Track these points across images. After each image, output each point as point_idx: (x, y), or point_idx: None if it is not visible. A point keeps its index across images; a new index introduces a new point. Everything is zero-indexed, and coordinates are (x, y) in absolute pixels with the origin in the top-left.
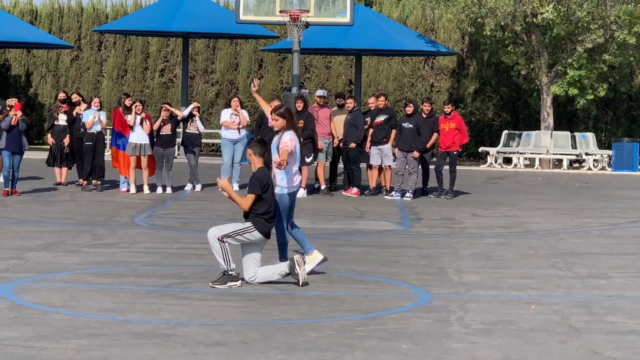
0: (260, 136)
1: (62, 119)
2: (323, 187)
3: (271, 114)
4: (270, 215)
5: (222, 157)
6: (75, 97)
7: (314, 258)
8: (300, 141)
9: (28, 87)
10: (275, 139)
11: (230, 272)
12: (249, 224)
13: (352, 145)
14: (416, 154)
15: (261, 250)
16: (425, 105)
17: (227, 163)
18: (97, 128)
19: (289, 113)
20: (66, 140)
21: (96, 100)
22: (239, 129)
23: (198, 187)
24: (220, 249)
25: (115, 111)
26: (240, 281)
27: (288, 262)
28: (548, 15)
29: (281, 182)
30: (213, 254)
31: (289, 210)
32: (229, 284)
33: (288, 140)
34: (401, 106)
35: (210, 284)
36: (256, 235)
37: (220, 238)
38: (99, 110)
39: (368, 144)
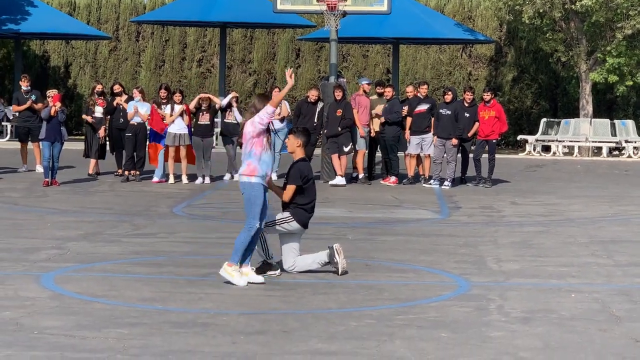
0: (300, 126)
1: (98, 111)
2: (361, 176)
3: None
4: (311, 206)
5: None
6: (117, 88)
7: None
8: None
9: (67, 78)
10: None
11: (269, 261)
12: (287, 214)
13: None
14: (455, 141)
15: (299, 239)
16: (468, 95)
17: None
18: (139, 119)
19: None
20: (101, 132)
21: (135, 91)
22: (279, 119)
23: (237, 177)
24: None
25: (152, 110)
26: (279, 270)
27: (328, 250)
28: (587, 2)
29: (258, 170)
30: None
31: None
32: (268, 273)
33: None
34: (439, 95)
35: None
36: (294, 225)
37: None
38: (141, 101)
39: (407, 132)
